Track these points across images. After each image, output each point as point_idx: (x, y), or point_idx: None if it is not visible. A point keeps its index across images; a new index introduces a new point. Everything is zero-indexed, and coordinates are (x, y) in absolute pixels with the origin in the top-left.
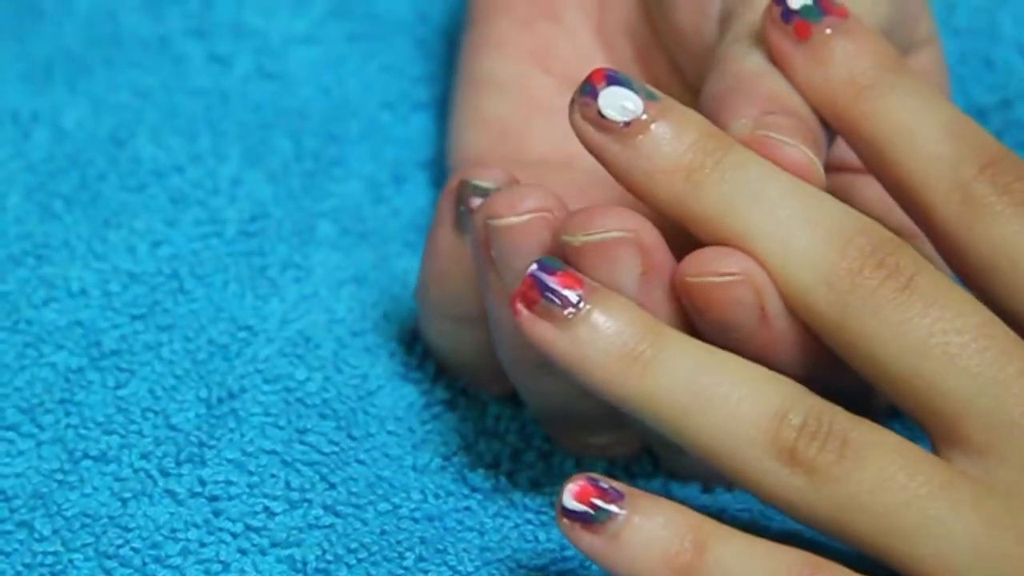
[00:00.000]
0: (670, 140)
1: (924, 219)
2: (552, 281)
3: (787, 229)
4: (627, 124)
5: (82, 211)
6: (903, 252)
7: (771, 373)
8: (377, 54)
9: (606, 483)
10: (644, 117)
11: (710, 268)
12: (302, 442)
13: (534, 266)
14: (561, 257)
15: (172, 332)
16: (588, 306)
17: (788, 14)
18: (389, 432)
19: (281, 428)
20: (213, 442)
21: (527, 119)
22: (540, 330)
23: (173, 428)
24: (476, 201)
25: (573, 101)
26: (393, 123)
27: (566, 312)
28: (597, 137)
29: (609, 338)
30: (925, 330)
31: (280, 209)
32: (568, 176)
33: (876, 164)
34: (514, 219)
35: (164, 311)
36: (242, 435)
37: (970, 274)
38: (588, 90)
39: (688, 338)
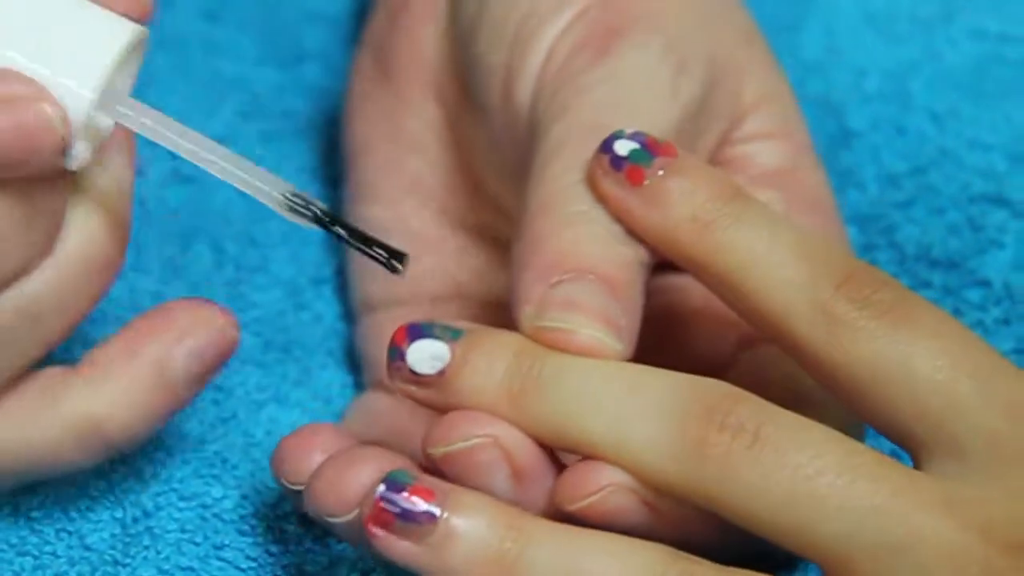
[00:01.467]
0: (485, 371)
1: (790, 344)
2: (402, 499)
3: (621, 423)
4: (441, 373)
5: None
6: (742, 406)
7: (638, 542)
8: (292, 155)
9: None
10: (455, 360)
11: (581, 491)
12: (219, 558)
13: (381, 487)
14: (432, 468)
15: None
16: (445, 514)
17: (617, 161)
18: (306, 549)
19: (198, 544)
20: (128, 560)
21: (414, 261)
22: (401, 548)
23: (87, 548)
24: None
25: (388, 368)
26: None
27: (424, 527)
28: (420, 393)
29: (472, 543)
30: (788, 481)
31: None
32: (461, 307)
33: (732, 297)
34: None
35: None
36: (158, 552)
37: (844, 392)
38: (395, 354)
39: (550, 524)
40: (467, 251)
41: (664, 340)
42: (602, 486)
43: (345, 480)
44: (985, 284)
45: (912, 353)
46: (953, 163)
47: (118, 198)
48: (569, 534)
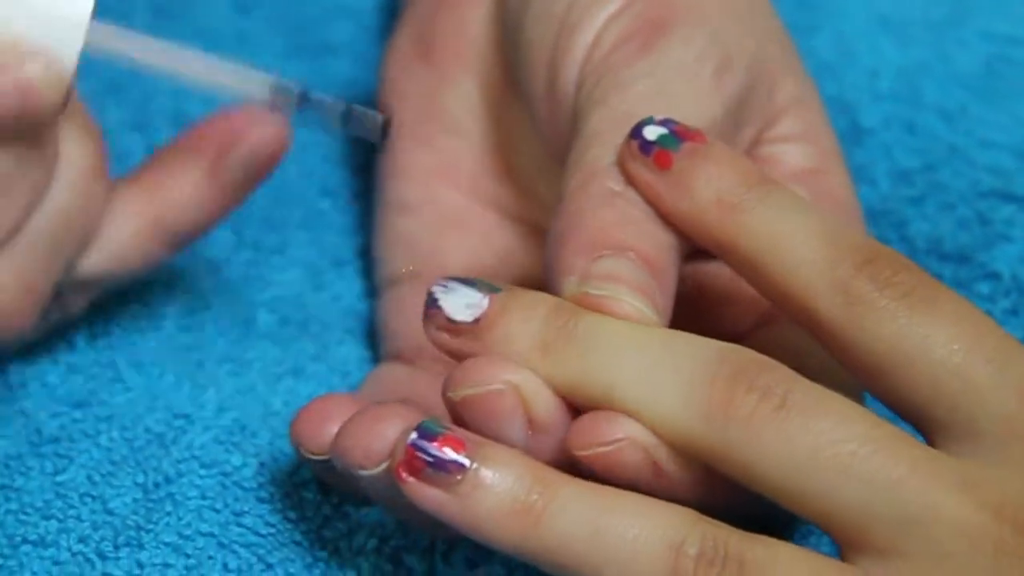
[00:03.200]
0: (520, 322)
1: (811, 324)
2: (433, 447)
3: (651, 381)
4: (476, 321)
5: None
6: (771, 371)
7: (662, 504)
8: (316, 144)
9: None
10: (493, 308)
11: (596, 439)
12: (239, 524)
13: (413, 434)
14: (450, 411)
15: (110, 421)
16: (474, 465)
17: (646, 146)
18: (325, 516)
19: (218, 511)
20: (150, 526)
21: (441, 238)
22: (429, 495)
23: (110, 512)
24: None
25: (424, 316)
26: (333, 211)
27: (453, 476)
28: (453, 342)
29: (499, 494)
30: (810, 446)
31: (219, 300)
32: None
33: (756, 278)
34: (371, 472)
35: (101, 401)
36: (179, 518)
37: (864, 372)
38: (432, 302)
39: (577, 481)
40: (495, 233)
41: (684, 322)
42: (617, 438)
43: (374, 433)
44: (994, 276)
45: (931, 335)
46: (963, 160)
47: (83, 108)
48: (595, 491)
